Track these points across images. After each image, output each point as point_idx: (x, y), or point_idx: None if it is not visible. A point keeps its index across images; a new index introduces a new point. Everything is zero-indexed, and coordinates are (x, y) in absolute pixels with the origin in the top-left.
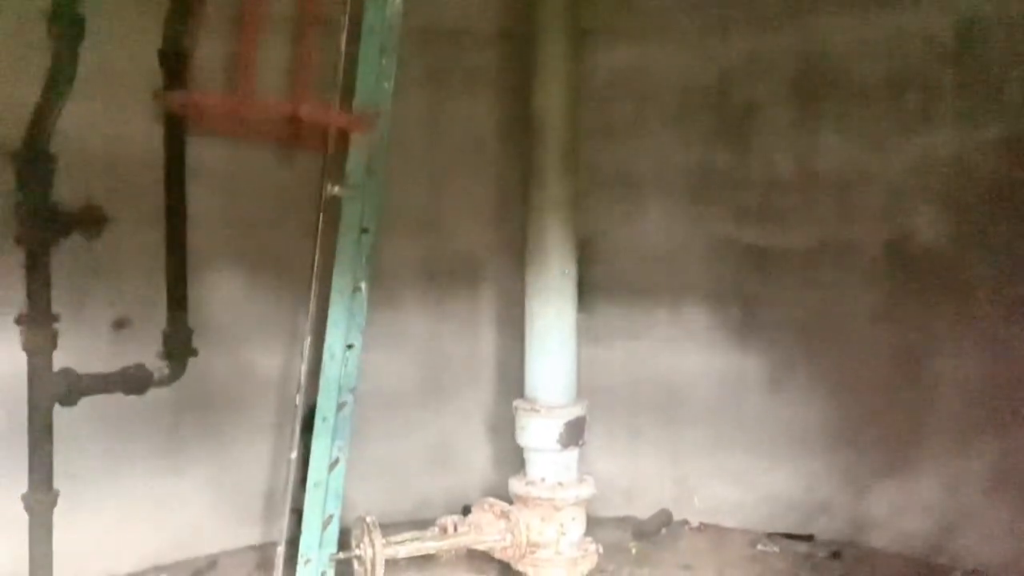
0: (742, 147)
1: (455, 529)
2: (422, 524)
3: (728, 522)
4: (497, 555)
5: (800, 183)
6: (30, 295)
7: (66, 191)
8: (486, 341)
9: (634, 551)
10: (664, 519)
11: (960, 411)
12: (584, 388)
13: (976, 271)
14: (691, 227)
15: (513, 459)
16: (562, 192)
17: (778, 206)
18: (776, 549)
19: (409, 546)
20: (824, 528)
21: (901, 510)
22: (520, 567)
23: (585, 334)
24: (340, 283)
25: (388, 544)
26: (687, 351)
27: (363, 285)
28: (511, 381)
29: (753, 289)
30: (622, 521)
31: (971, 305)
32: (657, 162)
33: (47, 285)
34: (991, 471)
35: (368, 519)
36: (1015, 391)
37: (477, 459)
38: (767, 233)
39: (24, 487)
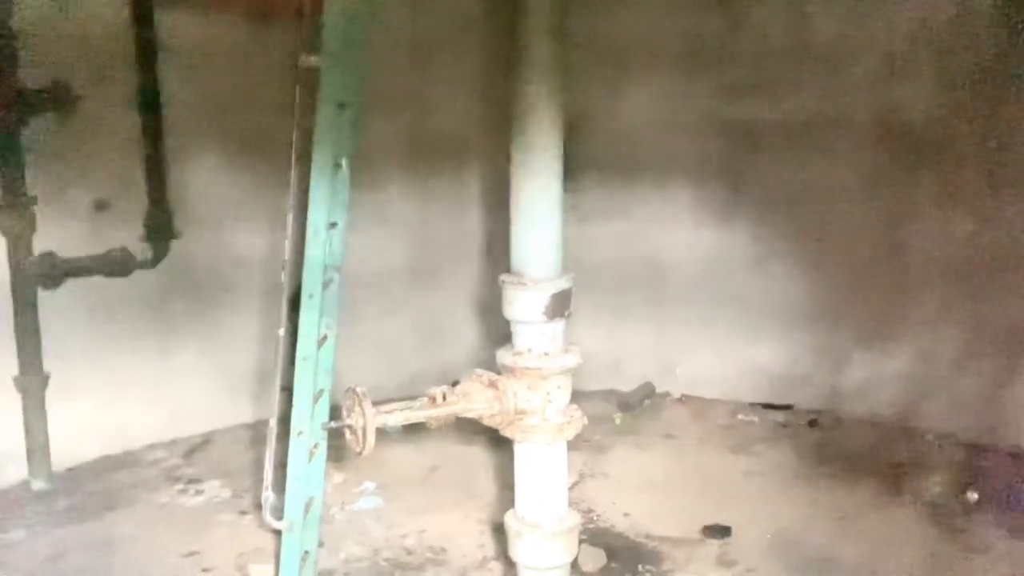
0: (733, 17)
1: (444, 398)
2: (413, 398)
3: (710, 394)
4: (486, 422)
5: (791, 55)
6: (4, 176)
7: (33, 70)
8: (473, 221)
9: (618, 421)
10: (647, 391)
11: (939, 284)
12: (570, 267)
13: (963, 143)
14: (679, 103)
15: (501, 336)
16: (548, 60)
17: (768, 79)
18: (755, 418)
19: (399, 415)
20: (803, 399)
21: (878, 380)
22: (508, 433)
23: (572, 213)
24: (320, 159)
25: (379, 413)
26: (673, 229)
27: (344, 161)
28: (499, 261)
29: (740, 165)
30: (607, 394)
31: (957, 178)
32: (645, 35)
33: (20, 166)
34: (964, 342)
35: (358, 389)
36: (993, 264)
37: (466, 336)
38: (756, 107)
39: (16, 371)
